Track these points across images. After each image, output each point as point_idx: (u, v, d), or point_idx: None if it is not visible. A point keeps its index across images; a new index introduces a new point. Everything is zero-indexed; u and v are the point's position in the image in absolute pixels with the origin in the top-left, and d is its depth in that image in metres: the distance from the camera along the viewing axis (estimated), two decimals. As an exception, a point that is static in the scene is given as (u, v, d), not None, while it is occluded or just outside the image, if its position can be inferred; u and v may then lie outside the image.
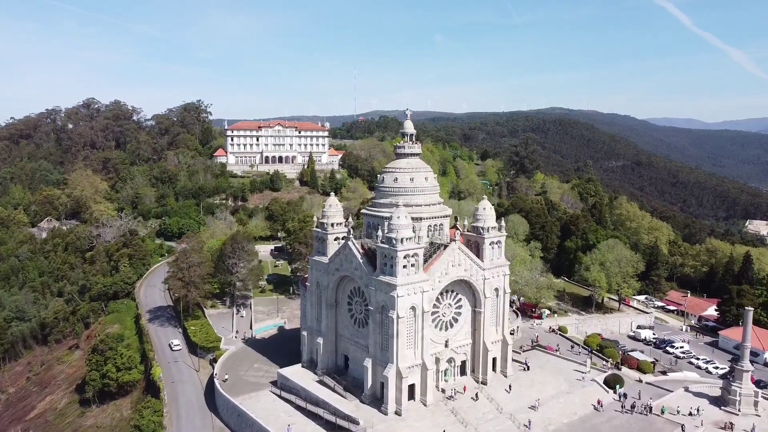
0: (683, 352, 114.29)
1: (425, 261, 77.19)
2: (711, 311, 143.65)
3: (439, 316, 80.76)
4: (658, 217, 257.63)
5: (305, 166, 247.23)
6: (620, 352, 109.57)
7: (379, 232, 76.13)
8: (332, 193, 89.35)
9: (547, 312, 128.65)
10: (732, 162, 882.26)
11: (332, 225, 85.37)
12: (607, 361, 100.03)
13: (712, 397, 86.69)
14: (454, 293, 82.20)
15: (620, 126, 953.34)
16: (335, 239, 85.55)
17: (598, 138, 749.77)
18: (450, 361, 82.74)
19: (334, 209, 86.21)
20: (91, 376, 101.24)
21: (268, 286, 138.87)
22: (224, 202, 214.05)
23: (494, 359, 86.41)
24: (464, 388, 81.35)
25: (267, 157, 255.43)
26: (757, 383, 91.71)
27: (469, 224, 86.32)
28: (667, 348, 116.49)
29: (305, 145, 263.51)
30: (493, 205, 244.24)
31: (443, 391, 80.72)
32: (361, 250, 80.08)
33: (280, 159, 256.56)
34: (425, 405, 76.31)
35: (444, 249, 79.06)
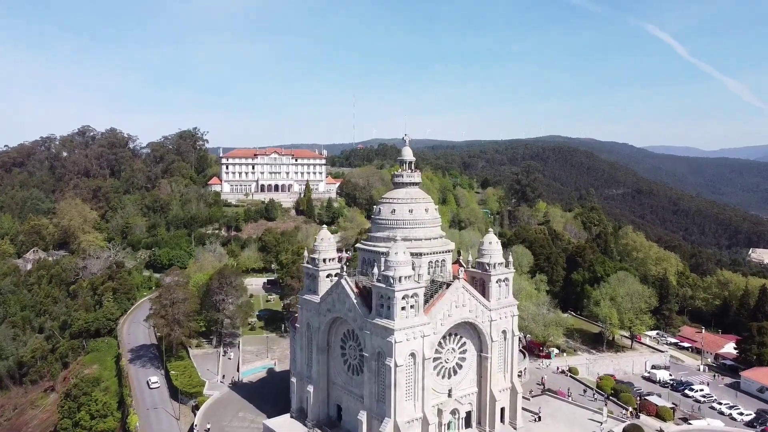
0: (704, 396, 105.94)
1: (426, 301, 69.82)
2: (728, 348, 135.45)
3: (441, 362, 73.01)
4: (663, 246, 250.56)
5: (302, 195, 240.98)
6: (636, 396, 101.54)
7: (375, 270, 68.92)
8: (324, 227, 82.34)
9: (556, 351, 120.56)
10: (731, 190, 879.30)
11: (324, 260, 78.17)
12: (626, 410, 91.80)
13: (744, 451, 78.37)
14: (458, 337, 74.59)
15: (619, 154, 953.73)
16: (327, 276, 78.29)
17: (597, 166, 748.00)
18: (454, 412, 74.63)
19: (326, 243, 79.10)
20: (63, 424, 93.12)
21: (259, 322, 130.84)
22: (217, 231, 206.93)
23: (502, 409, 78.29)
24: (470, 443, 73.26)
25: (263, 185, 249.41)
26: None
27: (474, 260, 79.11)
28: (686, 391, 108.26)
29: (302, 173, 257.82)
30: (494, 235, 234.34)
31: (446, 446, 72.59)
32: (355, 290, 72.75)
33: (276, 187, 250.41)
34: (427, 464, 68.11)
35: (446, 288, 71.75)
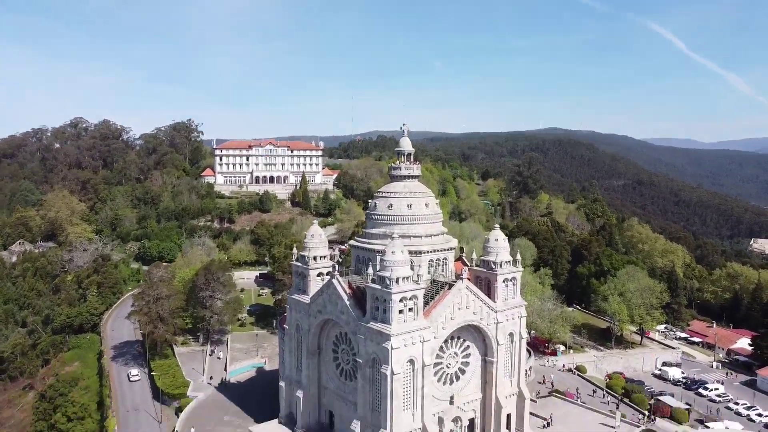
0: (719, 395, 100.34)
1: (426, 303, 63.65)
2: (741, 344, 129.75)
3: (442, 367, 66.94)
4: (668, 238, 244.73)
5: (297, 187, 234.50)
6: (648, 395, 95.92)
7: (370, 269, 62.68)
8: (315, 222, 75.97)
9: (562, 348, 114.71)
10: (731, 181, 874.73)
11: (314, 258, 71.89)
12: (642, 414, 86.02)
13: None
14: (461, 340, 68.47)
15: (619, 146, 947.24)
16: (318, 275, 72.09)
17: (598, 158, 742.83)
18: (456, 420, 68.68)
19: (316, 240, 72.79)
20: (37, 426, 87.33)
21: (249, 318, 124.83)
22: (209, 223, 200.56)
23: (508, 416, 72.37)
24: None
25: (257, 177, 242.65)
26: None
27: (478, 257, 72.86)
28: (700, 390, 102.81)
29: (298, 164, 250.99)
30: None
31: (448, 458, 66.70)
32: (348, 290, 66.53)
33: (272, 179, 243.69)
34: (426, 479, 62.22)
35: (449, 289, 65.52)
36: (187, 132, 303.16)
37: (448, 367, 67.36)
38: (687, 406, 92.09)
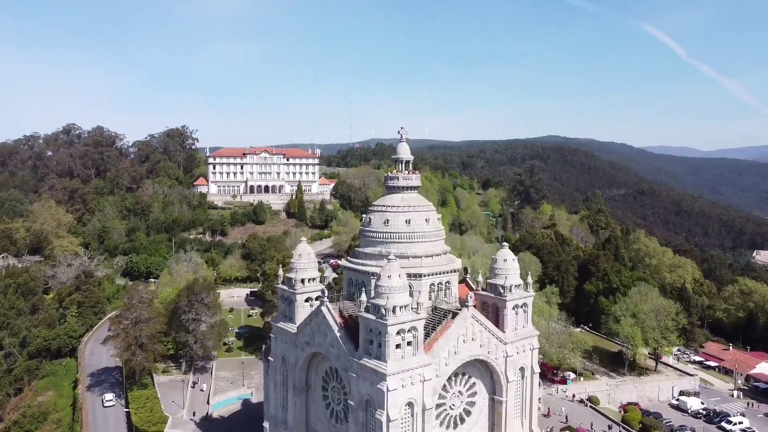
0: (743, 430, 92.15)
1: (426, 335, 56.00)
2: (761, 369, 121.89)
3: (445, 409, 59.03)
4: (674, 251, 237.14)
5: (293, 197, 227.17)
6: (667, 430, 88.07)
7: (363, 296, 54.98)
8: (303, 240, 68.37)
9: (573, 375, 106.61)
10: (730, 190, 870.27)
11: (302, 281, 64.15)
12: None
13: None
14: (466, 377, 60.62)
15: (618, 154, 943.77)
16: (306, 300, 64.34)
17: (598, 166, 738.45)
18: (460, 467, 60.72)
19: (304, 260, 65.05)
20: (1, 467, 78.93)
21: (237, 342, 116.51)
22: (201, 236, 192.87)
23: (519, 461, 64.41)
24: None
25: (252, 186, 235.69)
26: None
27: (484, 280, 65.19)
28: (723, 423, 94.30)
29: (294, 173, 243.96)
30: (497, 239, 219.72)
31: None
32: (338, 320, 58.78)
33: (267, 188, 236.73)
34: None
35: (452, 318, 57.80)
36: (181, 139, 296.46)
37: (451, 408, 59.44)
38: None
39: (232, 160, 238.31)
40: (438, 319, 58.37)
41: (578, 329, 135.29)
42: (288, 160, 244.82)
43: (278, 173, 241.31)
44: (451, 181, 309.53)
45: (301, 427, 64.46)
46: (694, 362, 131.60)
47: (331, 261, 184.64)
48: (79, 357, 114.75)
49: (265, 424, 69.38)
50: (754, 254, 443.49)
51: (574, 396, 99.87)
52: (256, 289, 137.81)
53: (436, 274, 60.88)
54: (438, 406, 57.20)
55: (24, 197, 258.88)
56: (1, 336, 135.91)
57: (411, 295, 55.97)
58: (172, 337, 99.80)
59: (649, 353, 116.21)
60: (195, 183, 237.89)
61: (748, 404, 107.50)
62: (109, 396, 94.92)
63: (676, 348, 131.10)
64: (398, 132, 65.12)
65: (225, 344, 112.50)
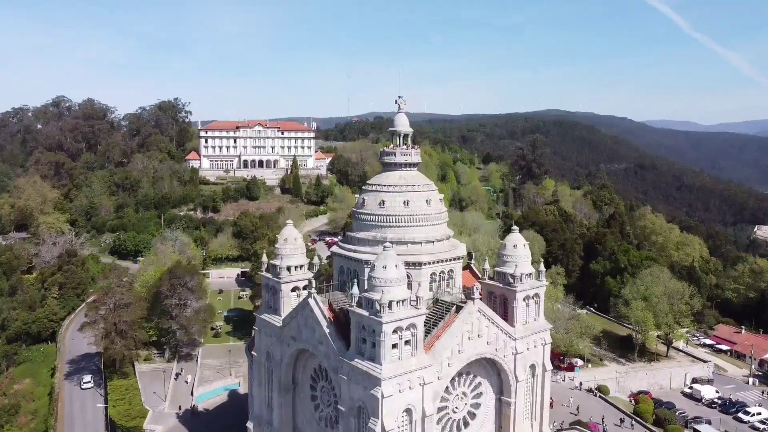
0: (763, 421, 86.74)
1: (427, 332, 49.55)
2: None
3: (447, 413, 52.86)
4: (679, 227, 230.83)
5: (288, 171, 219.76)
6: (682, 423, 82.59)
7: (355, 289, 48.36)
8: (288, 222, 61.22)
9: (580, 362, 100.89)
10: (731, 164, 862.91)
11: (288, 269, 57.43)
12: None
13: None
14: (471, 376, 54.34)
15: (619, 128, 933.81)
16: (293, 290, 57.71)
17: (599, 140, 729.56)
18: (463, 474, 54.87)
19: (290, 246, 58.23)
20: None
21: (226, 327, 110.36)
22: (192, 213, 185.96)
23: (527, 464, 58.60)
24: None
25: (245, 161, 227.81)
26: None
27: (492, 267, 58.57)
28: (740, 414, 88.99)
29: (289, 147, 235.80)
30: (498, 215, 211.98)
31: None
32: (328, 313, 52.27)
33: (261, 163, 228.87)
34: None
35: (456, 312, 51.27)
36: (173, 112, 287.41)
37: (454, 412, 53.28)
38: (728, 436, 78.87)
39: (224, 134, 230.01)
40: (440, 313, 51.84)
41: (584, 311, 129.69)
42: (283, 133, 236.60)
43: (273, 147, 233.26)
44: (451, 155, 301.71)
45: (288, 429, 58.45)
46: (705, 345, 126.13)
47: (327, 239, 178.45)
48: (59, 342, 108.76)
49: (249, 425, 63.39)
50: (756, 229, 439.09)
51: (581, 384, 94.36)
52: (248, 269, 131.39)
53: (437, 262, 54.20)
54: (439, 410, 51.05)
55: (11, 172, 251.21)
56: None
57: (409, 286, 49.43)
58: (154, 323, 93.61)
59: (659, 336, 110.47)
60: (186, 157, 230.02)
61: (763, 392, 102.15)
62: (87, 378, 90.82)
63: (685, 330, 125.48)
64: (395, 102, 57.68)
65: (213, 329, 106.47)
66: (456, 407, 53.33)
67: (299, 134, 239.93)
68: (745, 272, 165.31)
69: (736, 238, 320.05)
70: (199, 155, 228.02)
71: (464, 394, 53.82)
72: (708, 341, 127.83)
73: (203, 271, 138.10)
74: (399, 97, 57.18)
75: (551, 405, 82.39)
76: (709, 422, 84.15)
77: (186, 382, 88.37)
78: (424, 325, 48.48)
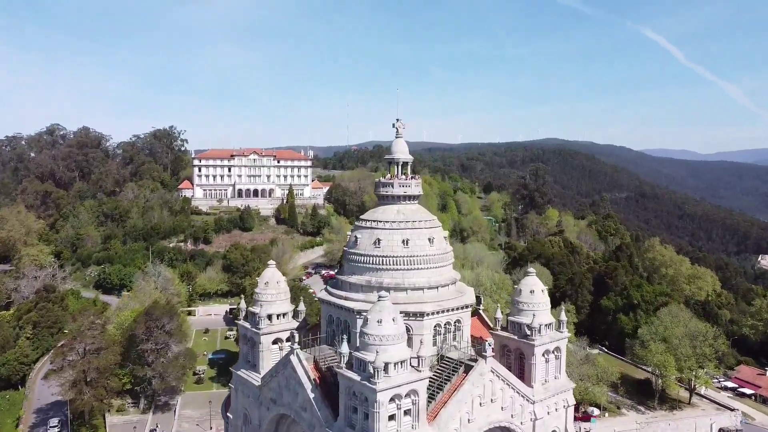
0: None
1: (431, 397, 41.59)
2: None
3: (455, 492, 44.41)
4: (689, 258, 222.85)
5: (284, 201, 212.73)
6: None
7: (344, 347, 40.50)
8: (271, 263, 53.60)
9: (597, 411, 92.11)
10: (731, 193, 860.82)
11: (269, 318, 49.66)
12: None
13: None
14: (482, 447, 45.99)
15: (617, 157, 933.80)
16: (275, 342, 49.83)
17: (599, 169, 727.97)
18: None
19: (273, 290, 50.55)
20: None
21: (210, 371, 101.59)
22: (182, 244, 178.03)
23: None
24: None
25: (240, 190, 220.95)
26: None
27: (504, 315, 50.78)
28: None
29: (285, 176, 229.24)
30: (501, 246, 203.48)
31: None
32: (313, 373, 44.29)
33: (255, 192, 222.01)
34: None
35: (465, 373, 43.31)
36: (168, 140, 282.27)
37: (463, 491, 44.83)
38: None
39: (219, 162, 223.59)
40: (446, 373, 43.84)
41: (596, 350, 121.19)
42: (279, 162, 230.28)
43: (268, 176, 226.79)
44: (451, 184, 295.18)
45: (267, 508, 49.84)
46: (727, 389, 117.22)
47: (323, 272, 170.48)
48: (28, 388, 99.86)
49: (223, 499, 54.87)
50: (760, 259, 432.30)
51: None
52: (236, 306, 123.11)
53: (442, 311, 46.38)
54: (446, 490, 42.65)
55: (0, 201, 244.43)
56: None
57: (410, 342, 41.70)
58: (128, 370, 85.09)
59: (680, 381, 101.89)
60: (180, 186, 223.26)
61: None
62: (54, 422, 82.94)
63: (704, 371, 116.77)
64: (393, 125, 50.58)
65: (195, 374, 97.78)
66: (465, 485, 44.87)
67: (295, 163, 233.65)
68: (762, 307, 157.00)
69: (745, 269, 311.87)
70: (193, 184, 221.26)
71: (475, 469, 45.39)
72: (730, 384, 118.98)
73: (189, 308, 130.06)
74: (397, 120, 50.14)
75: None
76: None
77: (161, 437, 79.58)
78: (428, 388, 40.54)
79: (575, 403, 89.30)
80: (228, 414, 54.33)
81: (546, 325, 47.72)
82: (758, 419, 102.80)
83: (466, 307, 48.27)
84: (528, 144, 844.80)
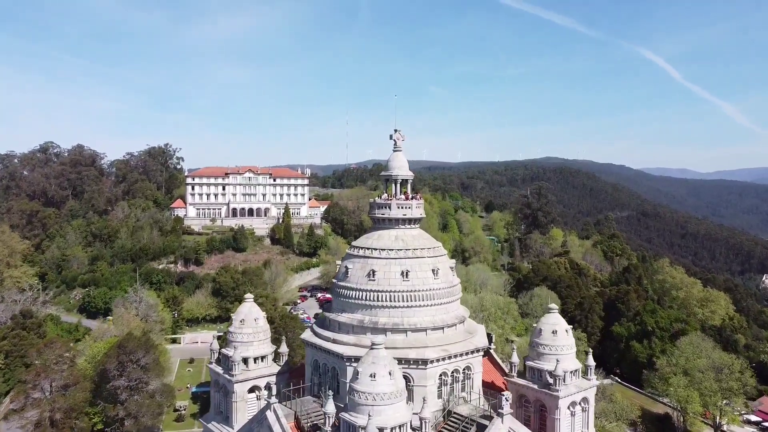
0: None
1: (436, 466, 33.98)
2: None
3: None
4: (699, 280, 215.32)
5: (280, 221, 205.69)
6: None
7: (330, 405, 33.06)
8: (248, 296, 46.47)
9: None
10: (731, 212, 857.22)
11: (245, 362, 42.29)
12: None
13: None
14: None
15: (617, 176, 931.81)
16: (251, 390, 42.37)
17: (600, 188, 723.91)
18: None
19: (250, 329, 43.28)
20: None
21: (193, 406, 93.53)
22: (171, 266, 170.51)
23: None
24: None
25: (234, 209, 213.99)
26: None
27: (521, 360, 43.41)
28: None
29: (281, 194, 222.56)
30: (504, 267, 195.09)
31: None
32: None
33: (251, 212, 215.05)
34: None
35: (477, 435, 35.81)
36: (163, 158, 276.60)
37: None
38: None
39: (212, 180, 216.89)
40: (454, 433, 36.37)
41: (608, 380, 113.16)
42: (275, 180, 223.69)
43: (264, 195, 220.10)
44: (452, 203, 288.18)
45: None
46: (750, 422, 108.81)
47: (319, 295, 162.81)
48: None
49: None
50: (764, 279, 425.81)
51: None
52: (224, 333, 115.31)
53: (449, 358, 39.03)
54: None
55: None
56: None
57: (410, 396, 34.35)
58: (100, 408, 77.15)
59: (704, 417, 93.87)
60: (172, 205, 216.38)
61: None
62: None
63: (724, 401, 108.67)
64: (391, 137, 43.61)
65: (176, 410, 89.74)
66: None
67: (292, 181, 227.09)
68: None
69: (755, 291, 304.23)
70: (185, 203, 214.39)
71: None
72: (753, 417, 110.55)
73: (173, 336, 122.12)
74: (395, 130, 43.15)
75: None
76: None
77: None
78: (432, 455, 33.09)
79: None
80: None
81: (571, 372, 40.33)
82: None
83: (478, 351, 40.89)
84: (528, 162, 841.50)
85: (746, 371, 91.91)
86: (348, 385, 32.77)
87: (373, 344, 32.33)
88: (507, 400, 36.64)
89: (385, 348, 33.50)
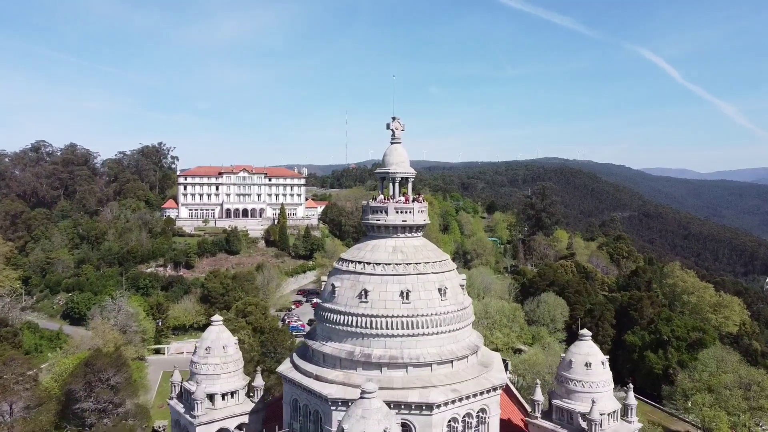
0: None
1: None
2: None
3: None
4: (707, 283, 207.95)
5: (275, 222, 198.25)
6: None
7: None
8: (215, 319, 38.71)
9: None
10: (732, 212, 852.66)
11: (210, 399, 34.74)
12: None
13: None
14: None
15: (617, 176, 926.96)
16: (219, 434, 34.83)
17: (601, 188, 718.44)
18: None
19: (217, 359, 35.72)
20: None
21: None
22: (160, 269, 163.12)
23: None
24: None
25: (228, 209, 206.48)
26: None
27: (546, 396, 35.93)
28: None
29: (276, 195, 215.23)
30: (507, 270, 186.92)
31: None
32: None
33: (245, 212, 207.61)
34: None
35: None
36: (157, 157, 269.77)
37: None
38: None
39: (206, 180, 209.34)
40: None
41: (622, 393, 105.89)
42: (270, 180, 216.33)
43: (259, 195, 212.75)
44: (453, 203, 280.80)
45: None
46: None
47: (314, 300, 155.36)
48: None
49: None
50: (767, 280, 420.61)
51: None
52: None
53: (460, 400, 31.45)
54: None
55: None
56: None
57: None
58: (65, 431, 69.70)
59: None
60: (163, 206, 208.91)
61: None
62: None
63: (754, 421, 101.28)
64: (388, 126, 36.08)
65: (155, 430, 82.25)
66: None
67: (288, 181, 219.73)
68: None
69: (761, 293, 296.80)
70: (177, 204, 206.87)
71: None
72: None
73: (157, 346, 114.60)
74: (393, 118, 35.55)
75: None
76: None
77: None
78: None
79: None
80: None
81: (609, 414, 32.88)
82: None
83: (495, 389, 33.31)
84: (529, 163, 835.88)
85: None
86: (334, 422, 25.47)
87: (363, 392, 24.97)
88: (533, 457, 29.31)
89: (380, 388, 26.29)
